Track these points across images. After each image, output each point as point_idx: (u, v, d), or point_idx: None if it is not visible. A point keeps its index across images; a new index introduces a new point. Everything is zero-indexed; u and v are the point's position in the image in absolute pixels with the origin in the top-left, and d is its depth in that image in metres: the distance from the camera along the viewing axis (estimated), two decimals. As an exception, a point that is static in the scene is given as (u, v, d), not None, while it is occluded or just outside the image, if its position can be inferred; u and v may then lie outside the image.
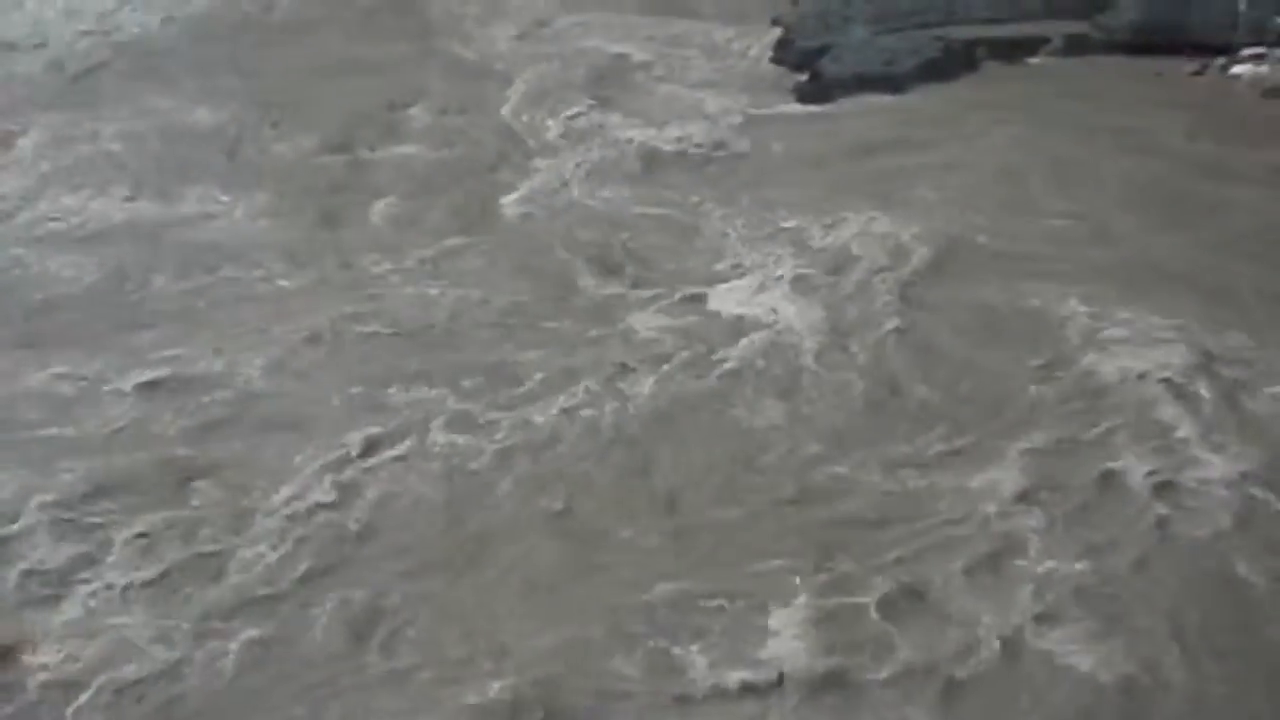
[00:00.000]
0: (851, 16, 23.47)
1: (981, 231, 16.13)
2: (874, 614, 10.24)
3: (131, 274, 16.22)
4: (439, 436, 12.64)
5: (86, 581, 11.02)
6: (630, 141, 19.60)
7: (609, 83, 22.13)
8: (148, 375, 13.84)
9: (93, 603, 10.82)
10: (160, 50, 24.93)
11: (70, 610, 10.73)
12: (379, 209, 17.84)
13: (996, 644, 9.90)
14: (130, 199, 18.58)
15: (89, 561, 11.22)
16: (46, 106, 22.16)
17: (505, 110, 21.22)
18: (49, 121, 21.36)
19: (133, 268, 16.36)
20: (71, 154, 20.15)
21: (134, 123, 21.24)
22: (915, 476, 11.77)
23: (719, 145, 19.34)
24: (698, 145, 19.41)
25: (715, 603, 10.45)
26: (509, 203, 17.91)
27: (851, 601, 10.40)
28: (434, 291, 15.35)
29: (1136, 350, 13.41)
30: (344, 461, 12.30)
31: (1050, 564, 10.66)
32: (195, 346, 14.34)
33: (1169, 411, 12.44)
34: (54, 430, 13.07)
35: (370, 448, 12.47)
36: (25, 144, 20.58)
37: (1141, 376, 12.96)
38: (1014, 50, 22.10)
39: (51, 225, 17.89)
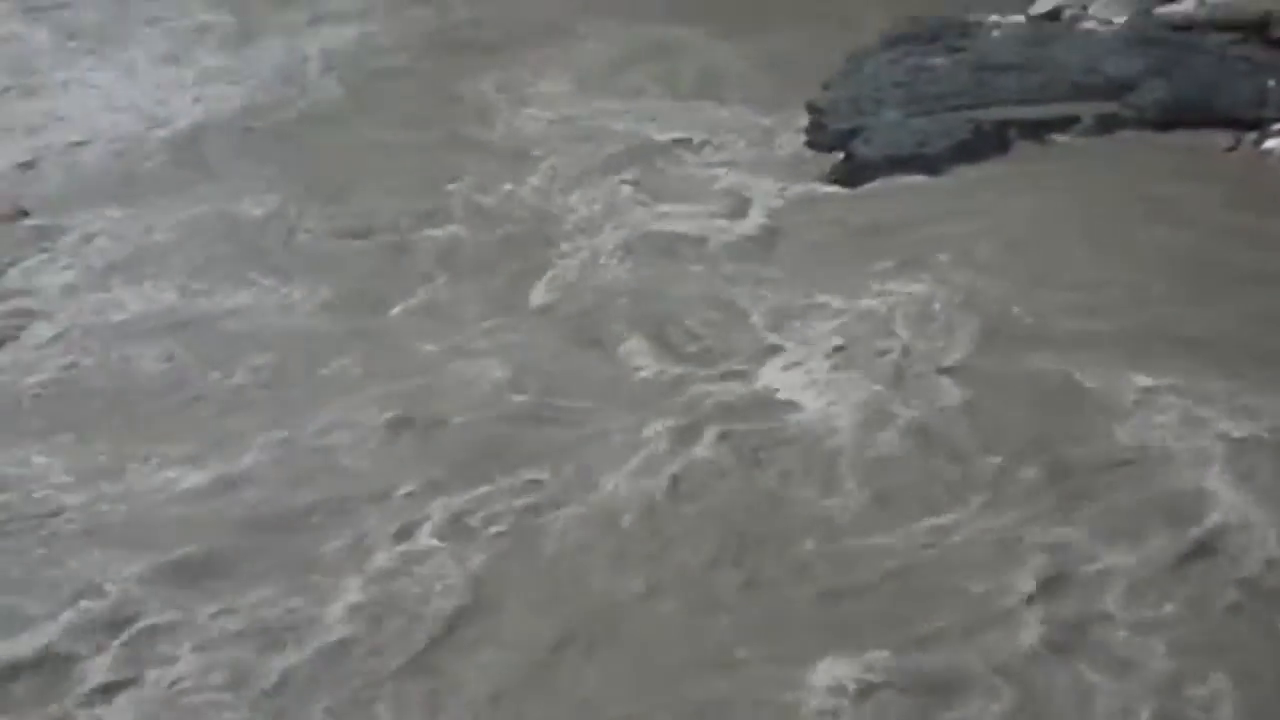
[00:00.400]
0: (883, 100, 23.77)
1: (1021, 301, 16.28)
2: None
3: (187, 364, 16.37)
4: (504, 514, 12.80)
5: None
6: (665, 220, 19.86)
7: (642, 164, 22.37)
8: (215, 462, 13.97)
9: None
10: (204, 141, 25.32)
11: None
12: (426, 291, 18.13)
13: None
14: (182, 290, 18.75)
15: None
16: (93, 198, 22.48)
17: (540, 191, 21.54)
18: (96, 213, 21.63)
19: (187, 359, 16.50)
20: (120, 246, 20.43)
21: (181, 213, 21.60)
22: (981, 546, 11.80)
23: (754, 224, 19.55)
24: (732, 224, 19.62)
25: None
26: (547, 282, 18.13)
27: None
28: (486, 370, 15.56)
29: (1191, 417, 13.46)
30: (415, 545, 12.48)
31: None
32: (254, 434, 14.47)
33: (1228, 478, 12.42)
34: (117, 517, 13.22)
35: (443, 530, 12.60)
36: (70, 239, 20.69)
37: (1198, 444, 13.00)
38: (1045, 129, 22.35)
39: (102, 318, 18.03)
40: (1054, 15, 26.48)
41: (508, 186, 22.08)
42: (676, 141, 23.44)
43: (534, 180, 22.17)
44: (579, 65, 28.09)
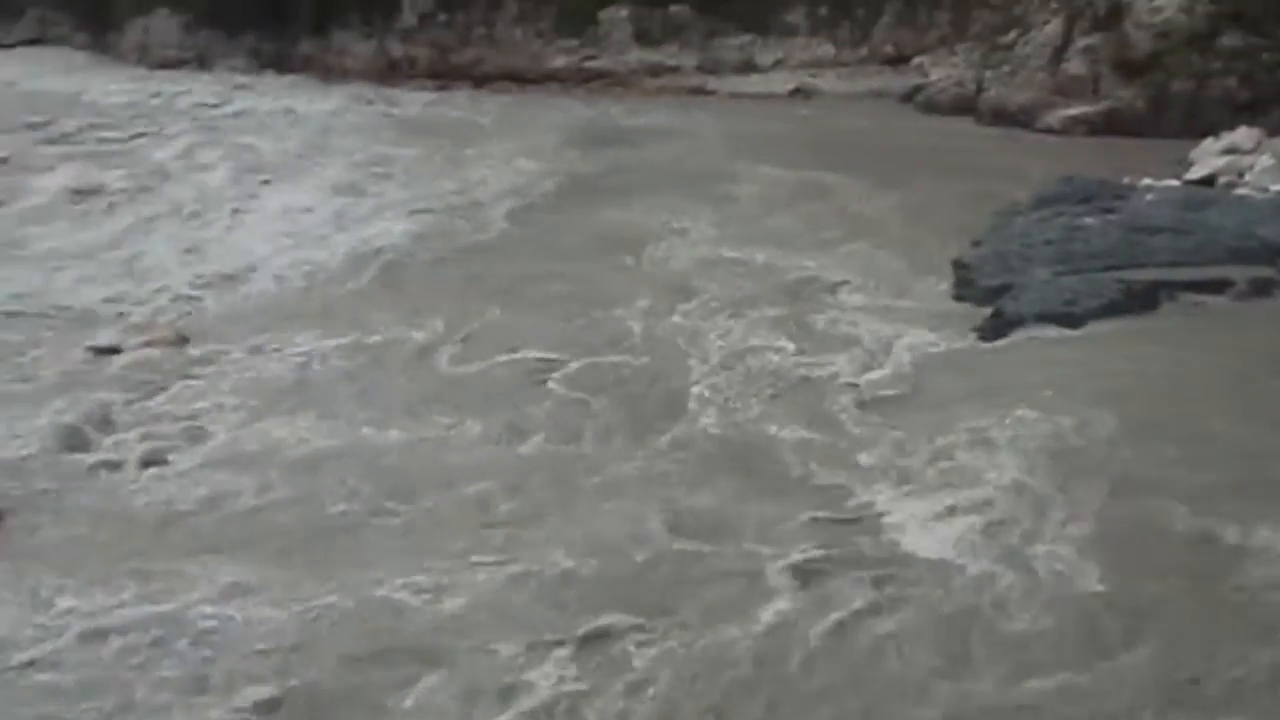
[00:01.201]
0: (1032, 258, 24.12)
1: (1163, 457, 16.39)
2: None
3: (348, 499, 16.83)
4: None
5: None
6: (803, 363, 20.36)
7: (785, 305, 23.11)
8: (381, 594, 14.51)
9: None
10: (371, 271, 26.75)
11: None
12: (577, 423, 18.81)
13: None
14: (346, 421, 19.41)
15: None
16: (255, 325, 23.69)
17: (683, 326, 22.45)
18: (257, 340, 22.78)
19: (346, 493, 16.99)
20: (278, 374, 21.37)
21: (342, 341, 22.64)
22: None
23: (894, 374, 19.89)
24: (871, 372, 19.99)
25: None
26: (692, 418, 18.76)
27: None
28: (636, 511, 16.04)
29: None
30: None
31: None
32: (420, 575, 14.87)
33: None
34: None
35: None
36: (227, 366, 21.69)
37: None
38: (1197, 291, 22.57)
39: (256, 447, 18.64)
40: (1209, 181, 26.89)
41: (654, 320, 23.03)
42: (822, 285, 24.23)
43: (678, 316, 23.09)
44: (731, 207, 29.63)
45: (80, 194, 34.45)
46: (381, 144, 38.46)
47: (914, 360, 20.52)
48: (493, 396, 20.42)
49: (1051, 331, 21.62)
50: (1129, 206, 26.03)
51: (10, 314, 25.02)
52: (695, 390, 19.98)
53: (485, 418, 19.66)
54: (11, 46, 63.33)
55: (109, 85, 52.46)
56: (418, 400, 20.48)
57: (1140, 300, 22.49)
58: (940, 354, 20.87)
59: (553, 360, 21.70)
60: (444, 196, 32.11)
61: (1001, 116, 33.05)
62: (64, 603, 14.88)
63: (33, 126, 45.19)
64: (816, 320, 22.52)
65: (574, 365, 21.36)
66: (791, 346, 21.29)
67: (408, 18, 47.84)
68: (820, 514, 15.80)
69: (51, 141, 42.32)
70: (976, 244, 25.38)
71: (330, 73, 49.03)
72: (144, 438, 19.38)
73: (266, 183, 34.98)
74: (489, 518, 16.75)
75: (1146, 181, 26.98)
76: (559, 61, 43.33)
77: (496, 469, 18.04)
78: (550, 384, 20.85)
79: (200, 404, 20.68)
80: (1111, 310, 22.22)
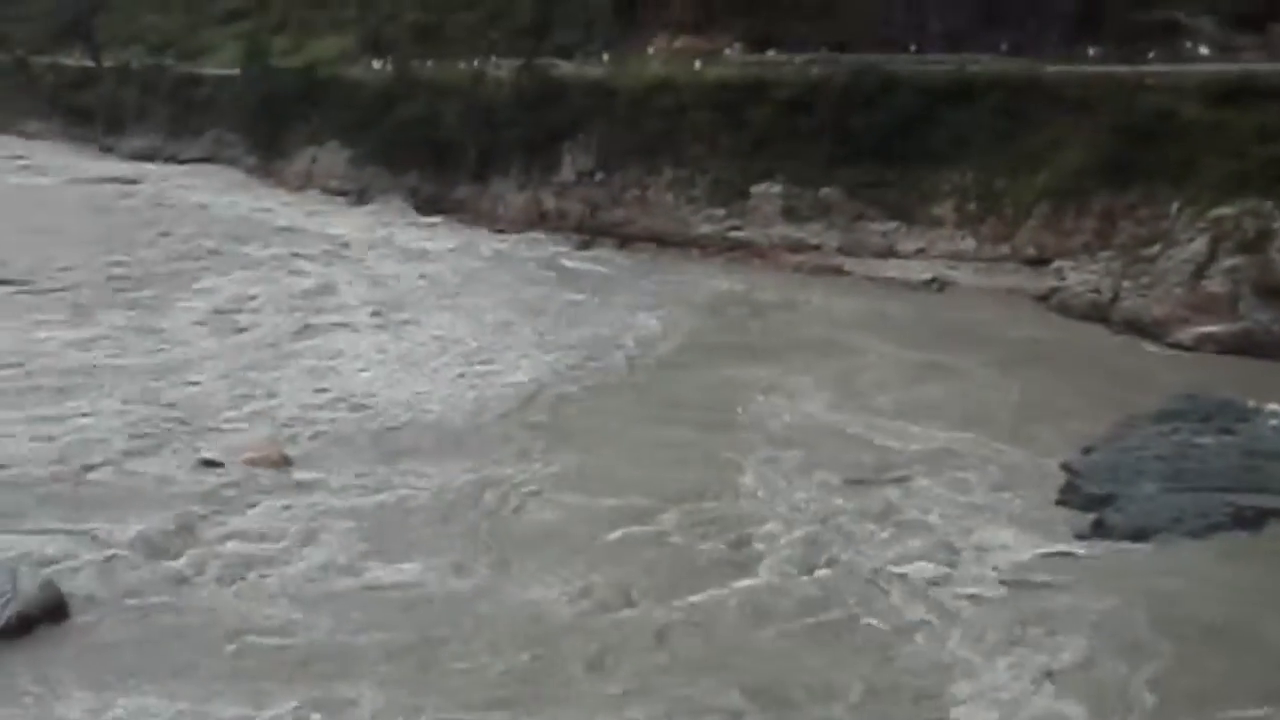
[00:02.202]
0: (1144, 471, 24.31)
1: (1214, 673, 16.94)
2: None
3: (445, 650, 17.72)
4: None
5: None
6: (895, 554, 20.73)
7: (887, 486, 23.76)
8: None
9: None
10: (489, 410, 28.11)
11: None
12: (671, 586, 19.58)
13: None
14: (423, 564, 20.34)
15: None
16: (363, 454, 25.16)
17: (783, 494, 23.36)
18: (360, 469, 24.19)
19: (444, 642, 17.91)
20: (371, 506, 22.53)
21: (440, 480, 23.73)
22: None
23: (987, 576, 20.14)
24: (964, 572, 20.32)
25: None
26: (791, 573, 19.92)
27: None
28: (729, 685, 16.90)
29: None
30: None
31: None
32: None
33: None
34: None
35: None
36: (322, 492, 23.08)
37: None
38: (1309, 522, 22.67)
39: (331, 578, 19.76)
40: (1340, 413, 27.01)
41: (749, 481, 23.90)
42: (922, 466, 24.73)
43: (780, 479, 23.91)
44: (847, 378, 30.38)
45: (220, 312, 37.52)
46: (519, 289, 40.45)
47: (1001, 565, 20.66)
48: (586, 552, 21.02)
49: (1149, 547, 21.62)
50: (1251, 429, 26.06)
51: (132, 421, 26.91)
52: (767, 563, 20.53)
53: (581, 575, 20.17)
54: (185, 162, 68.42)
55: (268, 207, 56.32)
56: (506, 546, 21.19)
57: (1248, 525, 22.37)
58: (1028, 561, 20.97)
59: (645, 508, 22.49)
60: (574, 343, 33.79)
61: (1134, 326, 33.62)
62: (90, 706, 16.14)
63: (187, 239, 48.77)
64: (908, 506, 22.96)
65: (666, 516, 22.20)
66: (878, 532, 21.72)
67: (566, 173, 50.46)
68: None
69: (202, 257, 45.75)
70: (1089, 450, 25.58)
71: (482, 218, 51.76)
72: (226, 554, 20.65)
73: (404, 318, 37.14)
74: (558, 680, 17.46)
75: (1273, 406, 27.17)
76: (704, 228, 45.28)
77: (586, 632, 18.52)
78: (632, 533, 21.65)
79: (288, 527, 21.82)
80: (1215, 533, 22.18)
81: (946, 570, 20.48)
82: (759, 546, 21.15)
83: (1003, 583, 20.09)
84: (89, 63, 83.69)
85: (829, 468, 24.67)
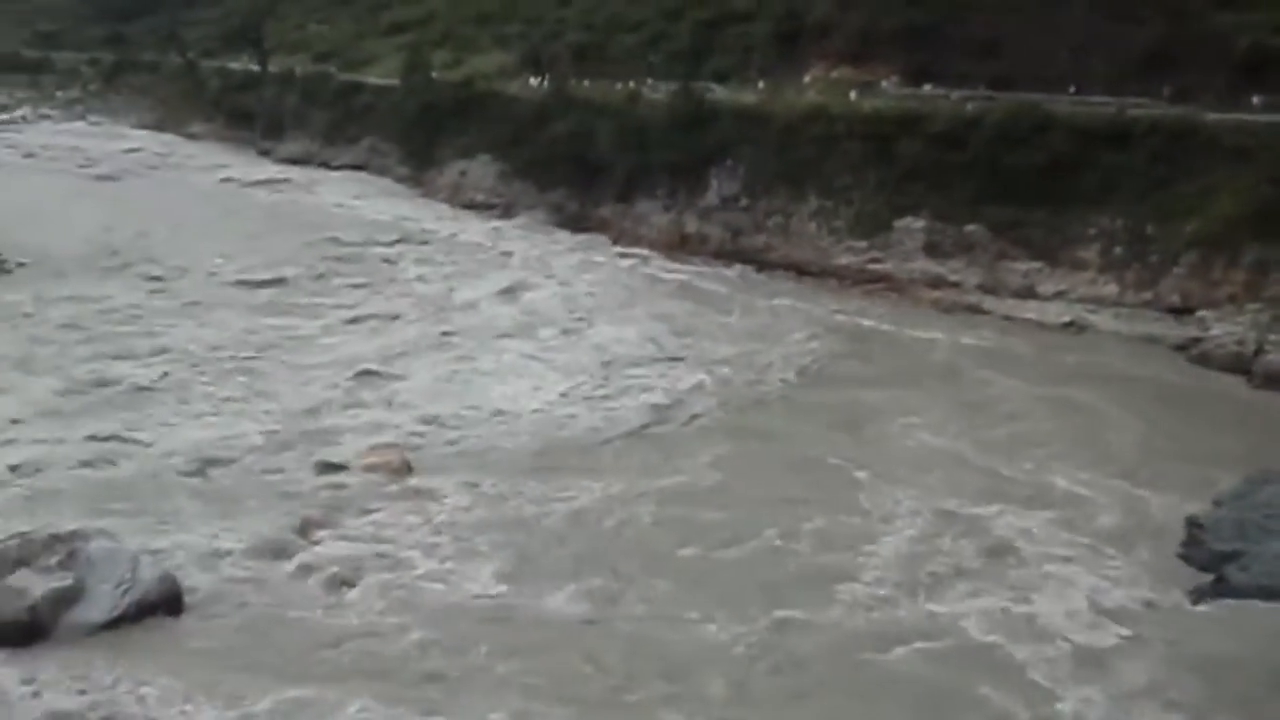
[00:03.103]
0: (1272, 530, 24.28)
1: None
2: None
3: (543, 664, 18.83)
4: None
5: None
6: (1009, 604, 21.33)
7: (998, 520, 24.54)
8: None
9: None
10: (619, 427, 29.39)
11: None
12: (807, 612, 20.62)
13: None
14: (530, 581, 21.38)
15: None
16: (486, 468, 26.33)
17: (887, 514, 24.53)
18: (479, 483, 25.32)
19: (541, 655, 19.04)
20: (488, 521, 23.63)
21: (559, 497, 24.88)
22: None
23: (1104, 636, 20.49)
24: (1079, 630, 20.65)
25: None
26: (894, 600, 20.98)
27: None
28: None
29: None
30: None
31: None
32: None
33: None
34: None
35: None
36: (441, 503, 24.15)
37: None
38: None
39: (443, 591, 20.80)
40: None
41: (866, 501, 25.09)
42: (1045, 508, 25.27)
43: (897, 502, 25.03)
44: (970, 410, 31.26)
45: (360, 319, 39.35)
46: (660, 308, 41.90)
47: (1112, 612, 21.11)
48: (707, 579, 21.94)
49: (1273, 607, 21.50)
50: (1392, 487, 25.76)
51: (264, 420, 28.80)
52: (874, 586, 21.60)
53: (669, 586, 21.35)
54: (338, 168, 71.54)
55: (417, 217, 58.44)
56: (618, 563, 22.15)
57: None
58: (1140, 612, 21.34)
59: (761, 523, 23.60)
60: (711, 363, 35.08)
61: (1276, 381, 33.53)
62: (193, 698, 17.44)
63: (336, 243, 50.97)
64: (1021, 541, 23.60)
65: (782, 532, 23.35)
66: (986, 566, 22.45)
67: (711, 197, 51.68)
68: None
69: (349, 260, 48.06)
70: (1217, 504, 25.64)
71: (623, 237, 53.22)
72: (339, 558, 21.99)
73: (544, 331, 38.72)
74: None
75: None
76: (844, 259, 46.08)
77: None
78: (744, 549, 22.84)
79: (403, 534, 23.09)
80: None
81: (1055, 615, 20.92)
82: (869, 571, 22.11)
83: (1115, 633, 20.46)
84: (255, 68, 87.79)
85: (947, 495, 25.57)
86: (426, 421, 29.62)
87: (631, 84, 59.61)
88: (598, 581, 21.63)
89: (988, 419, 30.72)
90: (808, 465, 27.36)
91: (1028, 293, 41.53)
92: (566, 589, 21.24)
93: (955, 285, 42.98)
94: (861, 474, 26.69)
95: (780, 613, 20.72)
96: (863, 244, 46.22)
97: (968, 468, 27.36)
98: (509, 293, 44.04)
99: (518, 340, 37.61)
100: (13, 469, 25.05)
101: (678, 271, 48.30)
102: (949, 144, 45.79)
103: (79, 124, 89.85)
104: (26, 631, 18.76)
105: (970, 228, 43.90)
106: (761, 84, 56.13)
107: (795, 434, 29.54)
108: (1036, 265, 42.04)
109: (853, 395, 32.57)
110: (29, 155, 72.65)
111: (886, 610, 21.04)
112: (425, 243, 52.79)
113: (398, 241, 52.57)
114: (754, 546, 23.19)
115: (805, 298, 43.99)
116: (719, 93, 56.09)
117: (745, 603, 20.96)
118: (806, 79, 54.88)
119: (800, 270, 47.11)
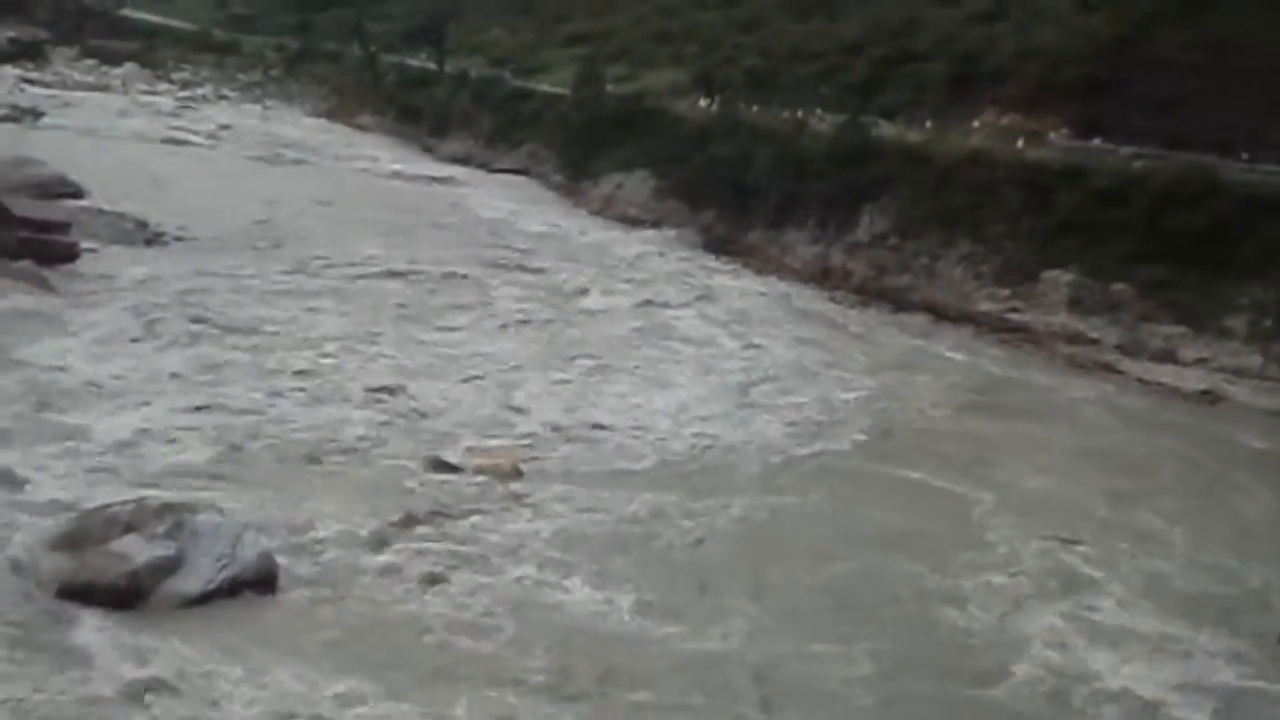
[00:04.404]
0: None
1: None
2: None
3: (622, 681, 19.50)
4: None
5: None
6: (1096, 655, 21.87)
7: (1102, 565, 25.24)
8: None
9: None
10: (728, 454, 30.02)
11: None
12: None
13: None
14: (622, 593, 22.12)
15: None
16: (589, 479, 27.28)
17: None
18: (580, 492, 26.27)
19: (622, 673, 19.72)
20: (591, 534, 24.45)
21: (664, 514, 25.75)
22: None
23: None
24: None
25: None
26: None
27: None
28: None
29: None
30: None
31: None
32: None
33: None
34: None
35: None
36: (541, 508, 25.01)
37: None
38: None
39: (535, 600, 21.47)
40: None
41: (974, 532, 26.07)
42: (1148, 558, 25.87)
43: (1009, 539, 25.90)
44: (1090, 455, 32.00)
45: (496, 320, 41.07)
46: (799, 336, 43.21)
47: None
48: (769, 585, 22.91)
49: None
50: None
51: (384, 411, 30.05)
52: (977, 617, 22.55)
53: (757, 609, 21.95)
54: (496, 171, 74.22)
55: (567, 225, 60.53)
56: (714, 585, 22.74)
57: None
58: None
59: (870, 549, 24.62)
60: (844, 396, 36.13)
61: None
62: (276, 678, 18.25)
63: (486, 244, 53.24)
64: (1125, 601, 24.00)
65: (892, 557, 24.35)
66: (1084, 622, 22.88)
67: (861, 233, 52.56)
68: None
69: (491, 261, 50.08)
70: None
71: (768, 265, 54.34)
72: (436, 554, 22.86)
73: (678, 349, 39.92)
74: None
75: None
76: (984, 306, 46.53)
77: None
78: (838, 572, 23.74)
79: (502, 538, 23.87)
80: None
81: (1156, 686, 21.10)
82: (972, 602, 23.15)
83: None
84: (431, 66, 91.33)
85: (1055, 529, 26.50)
86: (548, 428, 30.71)
87: (800, 113, 60.91)
88: (695, 603, 22.35)
89: (1106, 470, 31.48)
90: (929, 499, 28.28)
91: (1167, 357, 41.54)
92: (665, 608, 21.92)
93: (1093, 342, 43.15)
94: (985, 512, 27.63)
95: (888, 644, 21.49)
96: (1005, 292, 46.60)
97: (1076, 511, 28.27)
98: (648, 307, 45.46)
99: (651, 354, 38.90)
100: (136, 436, 26.57)
101: (817, 302, 49.36)
102: (1109, 200, 46.01)
103: (255, 107, 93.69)
104: (123, 596, 19.83)
105: (1118, 286, 44.02)
106: (929, 124, 56.93)
107: (920, 469, 30.34)
108: (1180, 330, 42.04)
109: (978, 432, 33.73)
110: (201, 134, 76.24)
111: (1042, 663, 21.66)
112: (570, 251, 54.47)
113: (542, 247, 54.38)
114: (875, 578, 24.04)
115: (941, 341, 44.64)
116: (885, 129, 56.97)
117: (857, 635, 21.67)
118: (975, 123, 55.43)
119: (939, 313, 47.69)
